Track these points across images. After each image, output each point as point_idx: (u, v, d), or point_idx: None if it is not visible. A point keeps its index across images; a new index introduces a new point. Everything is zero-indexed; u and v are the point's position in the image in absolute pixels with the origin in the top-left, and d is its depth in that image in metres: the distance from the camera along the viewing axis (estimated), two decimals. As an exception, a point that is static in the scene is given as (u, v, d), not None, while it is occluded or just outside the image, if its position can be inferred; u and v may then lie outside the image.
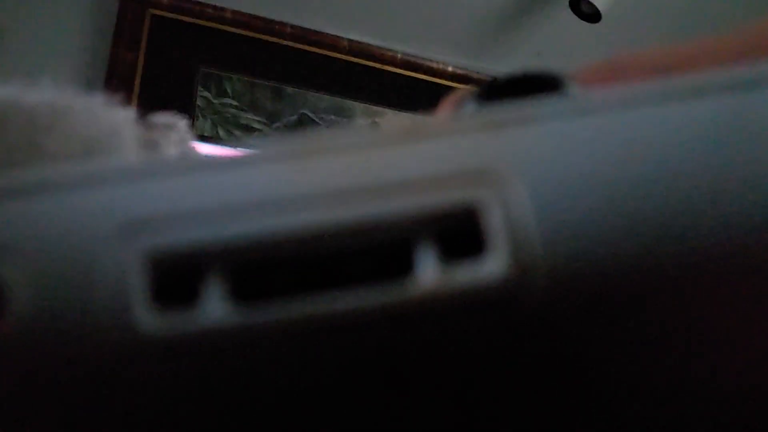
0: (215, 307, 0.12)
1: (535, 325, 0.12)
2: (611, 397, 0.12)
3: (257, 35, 1.61)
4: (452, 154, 0.12)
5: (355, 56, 1.66)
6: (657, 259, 0.12)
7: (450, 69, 1.71)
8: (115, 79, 1.47)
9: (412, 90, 1.68)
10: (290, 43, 1.63)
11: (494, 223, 0.12)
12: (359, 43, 1.66)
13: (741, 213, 0.12)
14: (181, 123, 0.41)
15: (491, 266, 0.12)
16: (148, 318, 0.12)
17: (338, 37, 1.65)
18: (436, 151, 0.12)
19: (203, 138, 1.51)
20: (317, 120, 1.62)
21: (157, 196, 0.12)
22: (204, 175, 0.12)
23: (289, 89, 1.63)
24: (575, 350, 0.12)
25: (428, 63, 1.70)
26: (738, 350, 0.12)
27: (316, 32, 1.64)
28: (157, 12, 1.57)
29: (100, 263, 0.12)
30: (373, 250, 0.12)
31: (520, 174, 0.12)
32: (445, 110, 0.19)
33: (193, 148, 0.41)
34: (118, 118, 0.40)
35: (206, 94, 1.58)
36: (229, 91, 1.60)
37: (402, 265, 0.12)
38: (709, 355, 0.12)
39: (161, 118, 0.41)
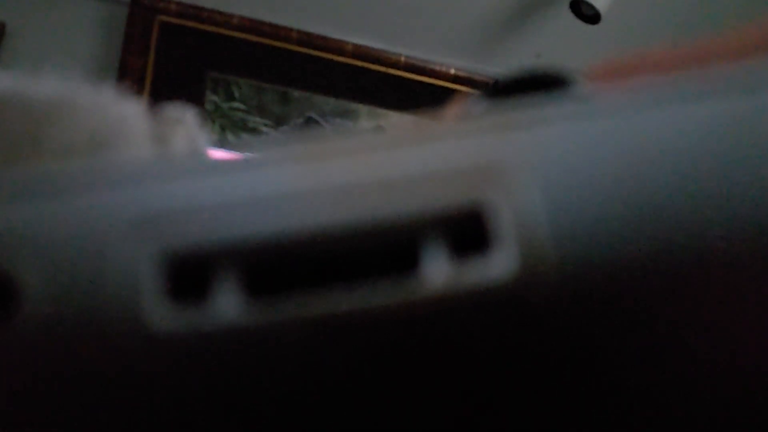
0: (227, 304, 0.12)
1: (544, 323, 0.12)
2: (620, 394, 0.12)
3: (264, 40, 1.61)
4: (462, 153, 0.12)
5: (359, 60, 1.66)
6: (666, 258, 0.11)
7: (452, 71, 1.70)
8: (125, 84, 1.45)
9: (416, 92, 1.68)
10: (296, 48, 1.63)
11: (503, 221, 0.12)
12: (363, 47, 1.66)
13: (750, 213, 0.12)
14: (191, 116, 0.40)
15: (500, 264, 0.12)
16: (160, 316, 0.11)
17: (343, 41, 1.65)
18: (445, 150, 0.12)
19: (212, 142, 1.51)
20: (323, 123, 1.61)
21: (169, 194, 0.12)
22: (216, 174, 0.12)
23: (296, 93, 1.63)
24: (584, 348, 0.12)
25: (431, 66, 1.70)
26: (747, 350, 0.12)
27: (321, 37, 1.64)
28: (166, 19, 1.57)
29: (113, 261, 0.12)
30: (383, 249, 0.12)
31: (529, 172, 0.12)
32: (453, 110, 0.18)
33: (202, 141, 0.39)
34: (126, 111, 0.39)
35: (214, 98, 1.58)
36: (236, 95, 1.60)
37: (412, 264, 0.12)
38: (717, 354, 0.12)
39: (170, 111, 0.40)
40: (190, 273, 0.12)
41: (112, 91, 0.40)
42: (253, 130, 1.58)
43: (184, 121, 0.39)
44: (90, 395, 0.11)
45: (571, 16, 1.54)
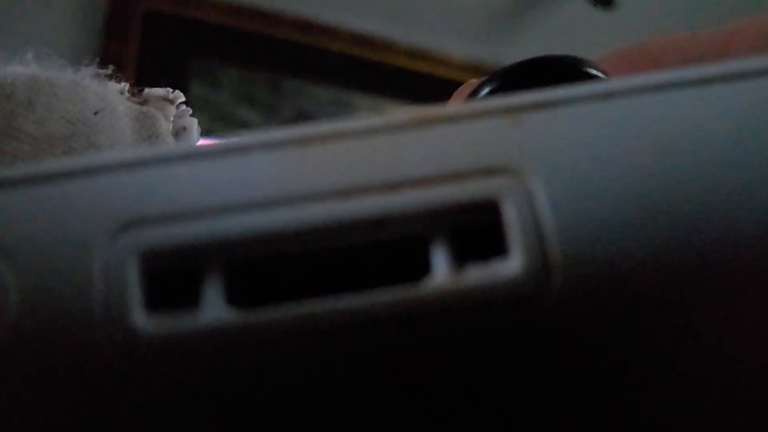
0: (214, 307, 0.12)
1: (552, 325, 0.12)
2: (627, 397, 0.12)
3: (253, 26, 1.61)
4: (468, 147, 0.12)
5: (357, 47, 1.66)
6: (678, 258, 0.11)
7: (456, 59, 1.70)
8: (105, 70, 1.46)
9: (417, 82, 1.68)
10: (288, 35, 1.62)
11: (511, 220, 0.12)
12: (361, 33, 1.65)
13: None
14: (177, 95, 0.39)
15: (507, 265, 0.12)
16: (144, 319, 0.12)
17: (339, 27, 1.64)
18: (451, 142, 0.12)
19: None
20: (317, 114, 1.62)
21: (152, 190, 0.12)
22: (202, 167, 0.12)
23: (288, 83, 1.63)
24: (592, 350, 0.12)
25: (433, 53, 1.69)
26: (758, 350, 0.12)
27: (315, 23, 1.63)
28: (149, 4, 1.57)
29: (95, 261, 0.12)
30: (384, 248, 0.12)
31: (538, 169, 0.12)
32: (459, 99, 0.18)
33: (190, 122, 0.39)
34: (108, 92, 0.38)
35: (200, 88, 1.58)
36: (224, 85, 1.59)
37: (415, 263, 0.12)
38: (729, 355, 0.12)
39: (155, 91, 0.39)
40: (175, 275, 0.12)
41: (92, 75, 0.40)
42: (242, 123, 1.58)
43: (171, 100, 0.38)
44: (74, 400, 0.11)
45: (583, 1, 1.55)
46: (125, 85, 0.37)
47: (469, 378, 0.12)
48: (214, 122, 1.56)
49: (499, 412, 0.12)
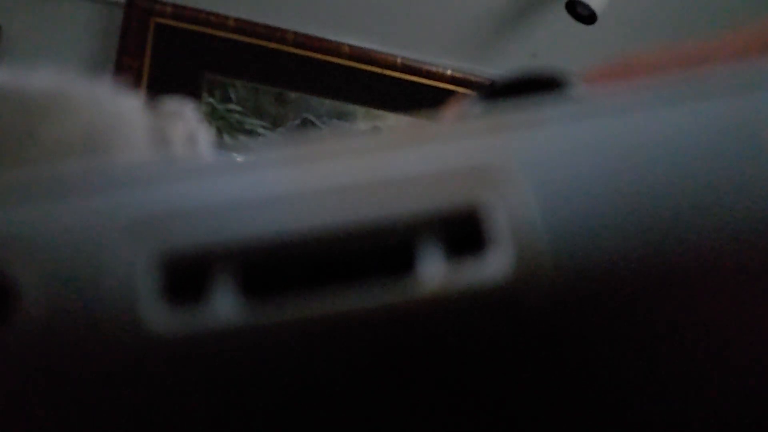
0: (225, 306, 0.11)
1: (541, 324, 0.11)
2: (617, 395, 0.12)
3: (260, 42, 1.61)
4: (457, 154, 0.12)
5: (356, 61, 1.66)
6: (662, 258, 0.11)
7: (449, 72, 1.70)
8: (121, 80, 1.46)
9: (412, 93, 1.68)
10: (293, 50, 1.63)
11: (499, 222, 0.12)
12: (360, 48, 1.66)
13: (746, 213, 0.11)
14: (189, 110, 0.38)
15: (496, 265, 0.12)
16: (158, 317, 0.11)
17: (339, 42, 1.65)
18: (441, 151, 0.12)
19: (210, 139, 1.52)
20: (320, 124, 1.62)
21: (167, 196, 0.12)
22: (213, 176, 0.12)
23: (292, 94, 1.63)
24: (581, 349, 0.12)
25: (427, 67, 1.69)
26: (744, 349, 0.12)
27: (317, 38, 1.64)
28: (161, 20, 1.57)
29: (111, 263, 0.12)
30: (380, 249, 0.12)
31: (525, 173, 0.12)
32: (449, 112, 0.18)
33: (202, 134, 0.38)
34: (123, 105, 0.37)
35: (211, 100, 1.58)
36: (233, 97, 1.60)
37: (408, 264, 0.12)
38: (715, 354, 0.12)
39: (169, 105, 0.38)
40: (187, 274, 0.12)
41: (108, 85, 0.39)
42: (250, 132, 1.58)
43: (183, 115, 0.38)
44: (88, 396, 0.11)
45: (566, 16, 1.54)
46: (139, 98, 0.36)
47: (461, 375, 0.12)
48: (224, 131, 1.56)
49: (491, 409, 0.12)
